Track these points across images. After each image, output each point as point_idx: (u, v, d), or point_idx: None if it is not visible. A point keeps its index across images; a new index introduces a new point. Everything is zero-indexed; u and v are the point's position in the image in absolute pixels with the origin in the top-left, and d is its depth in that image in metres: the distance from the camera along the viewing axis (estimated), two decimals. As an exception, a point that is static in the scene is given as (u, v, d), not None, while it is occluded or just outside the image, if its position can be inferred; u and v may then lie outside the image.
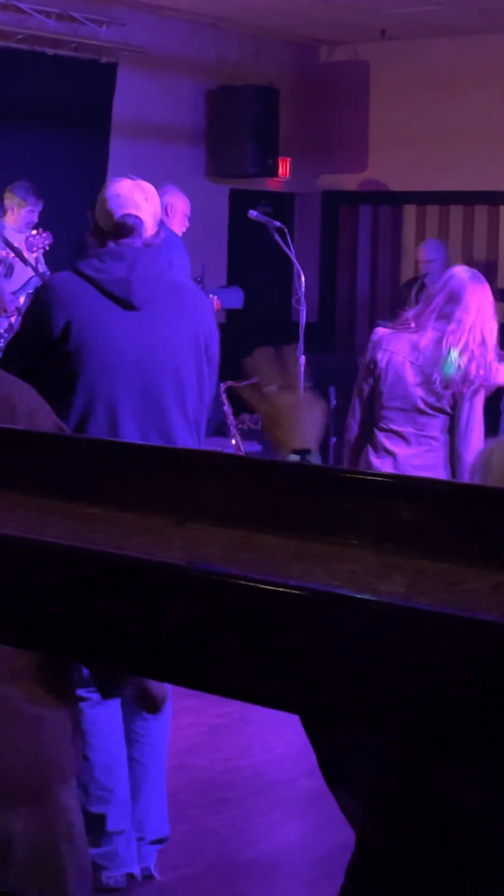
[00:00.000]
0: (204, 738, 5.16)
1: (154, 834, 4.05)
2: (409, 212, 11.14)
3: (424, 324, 4.82)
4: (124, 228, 3.88)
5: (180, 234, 7.87)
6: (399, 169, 10.74)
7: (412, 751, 1.73)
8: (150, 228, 3.94)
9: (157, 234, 3.99)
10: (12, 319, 7.25)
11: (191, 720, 5.24)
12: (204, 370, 4.00)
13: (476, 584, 0.86)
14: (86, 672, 2.94)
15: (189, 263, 7.85)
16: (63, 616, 0.86)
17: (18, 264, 7.69)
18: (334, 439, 8.80)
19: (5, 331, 7.27)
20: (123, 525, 1.00)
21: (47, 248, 7.17)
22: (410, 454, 4.86)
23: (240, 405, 9.21)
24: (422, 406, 4.82)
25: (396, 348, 4.84)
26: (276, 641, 0.78)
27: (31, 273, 7.66)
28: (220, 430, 9.36)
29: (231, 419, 8.70)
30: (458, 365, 4.74)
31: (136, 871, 4.03)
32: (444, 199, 10.73)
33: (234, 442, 8.67)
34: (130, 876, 4.00)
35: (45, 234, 7.72)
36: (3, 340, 7.17)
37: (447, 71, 10.42)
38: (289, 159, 10.75)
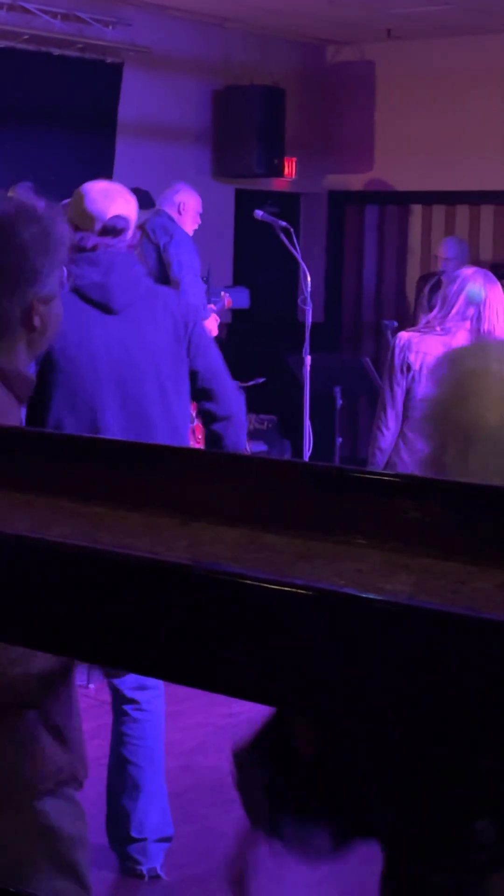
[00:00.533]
0: (210, 738, 5.16)
1: (157, 833, 4.05)
2: (416, 212, 11.14)
3: (450, 327, 4.81)
4: (114, 231, 3.87)
5: (192, 232, 7.85)
6: (405, 169, 10.74)
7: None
8: (132, 231, 3.95)
9: (135, 236, 4.00)
10: None
11: (197, 720, 5.24)
12: (185, 372, 3.98)
13: (481, 583, 0.86)
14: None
15: (199, 265, 7.84)
16: (69, 615, 0.86)
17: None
18: (340, 439, 8.80)
19: None
20: (129, 524, 1.00)
21: None
22: None
23: (246, 405, 9.21)
24: None
25: (429, 349, 4.82)
26: (282, 641, 0.78)
27: None
28: (226, 430, 9.35)
29: (237, 419, 8.70)
30: None
31: (144, 871, 4.04)
32: (451, 198, 10.72)
33: (240, 442, 8.66)
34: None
35: None
36: None
37: (453, 71, 10.42)
38: (295, 159, 10.75)
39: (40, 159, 8.94)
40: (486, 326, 4.80)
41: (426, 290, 9.20)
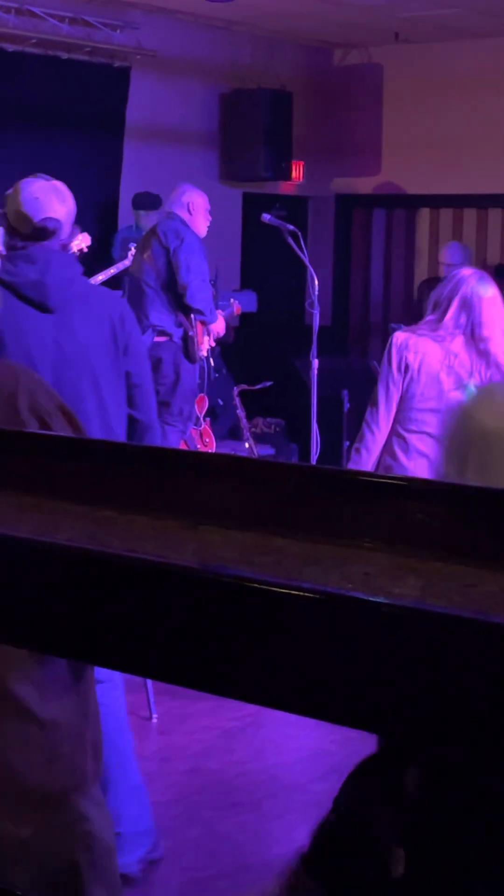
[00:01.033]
0: (217, 742, 5.16)
1: (134, 826, 3.96)
2: (423, 215, 11.14)
3: (446, 333, 4.79)
4: (45, 232, 3.86)
5: (204, 231, 7.84)
6: (413, 172, 10.74)
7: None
8: (66, 230, 3.93)
9: (71, 234, 3.97)
10: None
11: (204, 723, 5.24)
12: (121, 372, 3.97)
13: (490, 586, 0.86)
14: None
15: (207, 269, 7.83)
16: (77, 619, 0.86)
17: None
18: (347, 443, 8.79)
19: None
20: (138, 528, 1.00)
21: (85, 249, 7.03)
22: None
23: (253, 408, 9.22)
24: None
25: (427, 350, 4.80)
26: (290, 644, 0.78)
27: None
28: (233, 433, 9.36)
29: (244, 422, 8.71)
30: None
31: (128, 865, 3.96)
32: (458, 202, 10.72)
33: (247, 445, 8.68)
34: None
35: (79, 236, 7.43)
36: None
37: (461, 74, 10.42)
38: (302, 163, 10.75)
39: (48, 162, 8.92)
40: (481, 332, 4.77)
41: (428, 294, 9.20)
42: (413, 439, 4.85)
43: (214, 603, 0.80)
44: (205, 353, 7.93)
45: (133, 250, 7.90)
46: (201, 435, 8.23)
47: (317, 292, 7.25)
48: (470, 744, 0.74)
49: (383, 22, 9.83)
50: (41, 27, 8.97)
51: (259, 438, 9.36)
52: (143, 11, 9.48)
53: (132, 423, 4.04)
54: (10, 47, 8.84)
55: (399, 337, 4.91)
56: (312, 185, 11.11)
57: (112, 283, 7.65)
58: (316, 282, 7.25)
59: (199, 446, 8.10)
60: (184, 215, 7.73)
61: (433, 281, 10.01)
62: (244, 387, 8.66)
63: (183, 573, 0.82)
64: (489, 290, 4.83)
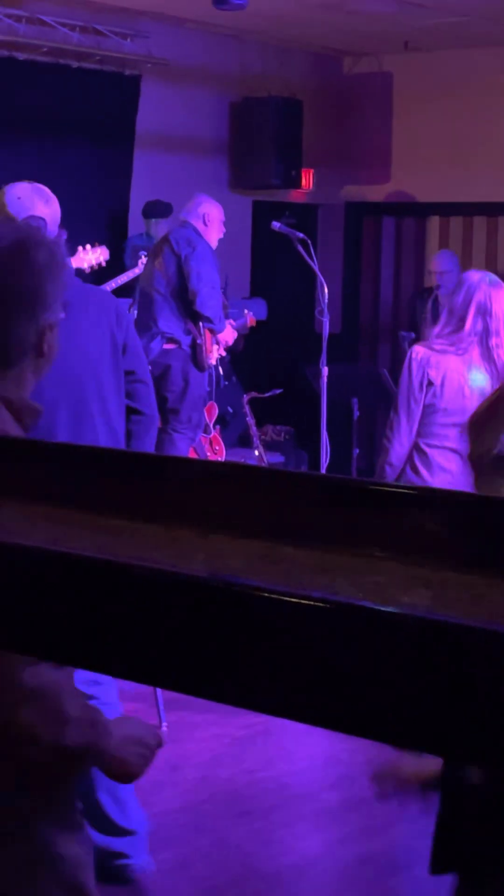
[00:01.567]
0: (227, 750, 5.16)
1: (142, 825, 3.97)
2: (433, 223, 11.14)
3: (467, 343, 4.75)
4: None
5: (216, 243, 7.87)
6: (422, 180, 10.74)
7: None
8: (52, 231, 3.93)
9: (59, 237, 3.98)
10: None
11: (214, 732, 5.24)
12: (122, 371, 3.99)
13: (502, 596, 0.85)
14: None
15: (218, 278, 7.85)
16: (86, 628, 0.86)
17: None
18: (357, 450, 8.80)
19: None
20: (147, 537, 1.00)
21: (104, 263, 6.99)
22: (467, 470, 4.78)
23: (263, 416, 9.22)
24: None
25: (449, 365, 4.75)
26: (300, 654, 0.78)
27: None
28: (243, 440, 9.36)
29: (254, 430, 8.71)
30: None
31: (135, 865, 3.96)
32: (468, 210, 10.72)
33: (257, 453, 8.68)
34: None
35: (97, 249, 7.34)
36: None
37: (470, 82, 10.42)
38: (312, 171, 10.76)
39: (59, 170, 8.96)
40: (494, 341, 4.74)
41: (428, 305, 9.20)
42: (435, 454, 4.80)
43: (224, 612, 0.80)
44: (213, 362, 7.94)
45: (144, 258, 7.91)
46: (211, 443, 8.23)
47: (326, 300, 7.26)
48: (484, 754, 0.74)
49: (393, 30, 9.84)
50: (52, 36, 8.99)
51: (269, 446, 9.36)
52: (153, 20, 9.50)
53: (136, 417, 4.07)
54: (21, 56, 8.86)
55: (419, 352, 4.84)
56: (322, 193, 11.11)
57: (123, 290, 7.66)
58: (326, 289, 7.25)
59: (208, 454, 8.10)
60: (198, 225, 7.77)
61: (425, 292, 10.01)
62: (254, 394, 8.67)
63: (192, 582, 0.82)
64: (500, 291, 4.82)
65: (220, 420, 8.68)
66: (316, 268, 7.26)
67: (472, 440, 2.30)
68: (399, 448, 4.86)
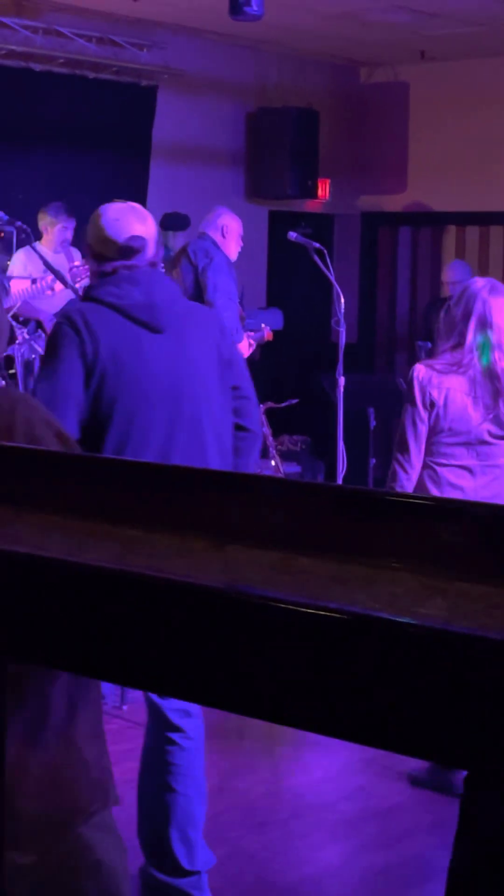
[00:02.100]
0: (244, 761, 5.15)
1: (207, 865, 3.99)
2: (449, 233, 11.13)
3: (468, 359, 4.68)
4: (130, 251, 3.87)
5: (235, 255, 7.90)
6: (439, 190, 10.74)
7: None
8: (151, 250, 3.94)
9: (157, 254, 3.99)
10: None
11: (231, 743, 5.23)
12: (229, 389, 3.99)
13: (518, 607, 0.85)
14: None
15: (235, 290, 7.86)
16: (102, 638, 0.86)
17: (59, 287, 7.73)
18: (374, 460, 8.79)
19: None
20: (164, 547, 1.00)
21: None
22: (478, 486, 4.73)
23: (279, 426, 9.22)
24: (487, 438, 4.71)
25: (451, 384, 4.68)
26: (317, 665, 0.78)
27: (72, 296, 7.68)
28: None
29: (270, 440, 8.71)
30: None
31: None
32: (485, 219, 10.71)
33: (273, 463, 8.67)
34: None
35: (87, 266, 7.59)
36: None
37: (487, 91, 10.42)
38: (328, 181, 10.77)
39: (75, 181, 8.99)
40: (497, 355, 4.68)
41: (442, 315, 9.16)
42: (445, 472, 4.75)
43: (240, 623, 0.80)
44: (230, 373, 7.95)
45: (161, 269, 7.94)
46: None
47: (343, 310, 7.26)
48: (495, 762, 0.74)
49: (409, 40, 9.85)
50: (68, 47, 9.02)
51: (285, 456, 9.36)
52: (169, 31, 9.53)
53: (242, 434, 4.06)
54: (37, 67, 8.89)
55: (420, 371, 4.75)
56: (338, 203, 11.12)
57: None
58: (342, 299, 7.26)
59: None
60: (216, 237, 7.80)
61: (439, 302, 10.00)
62: (270, 404, 8.67)
63: (209, 593, 0.82)
64: (499, 296, 4.73)
65: (237, 430, 8.67)
66: (332, 278, 7.26)
67: None
68: (411, 472, 4.78)
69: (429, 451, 4.76)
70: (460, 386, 4.67)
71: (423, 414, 4.75)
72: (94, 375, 3.73)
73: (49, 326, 7.14)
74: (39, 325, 7.77)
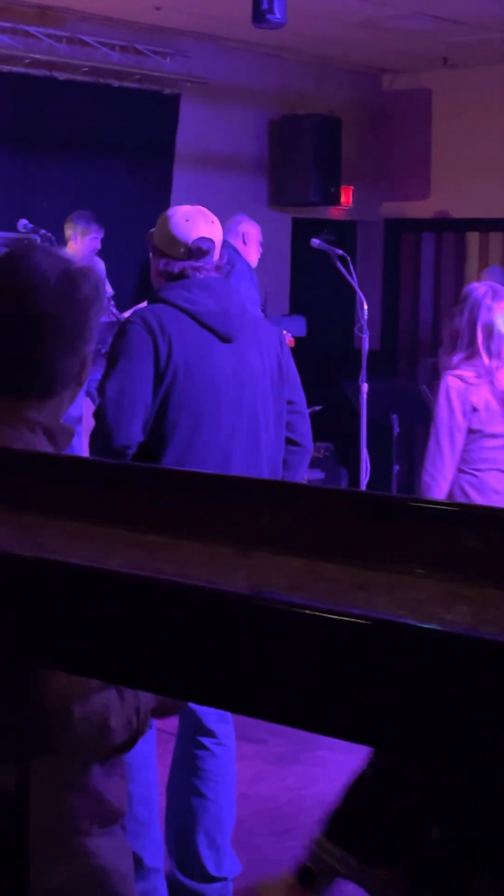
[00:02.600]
0: (268, 768, 5.15)
1: (233, 872, 3.98)
2: (473, 239, 11.11)
3: (488, 362, 4.68)
4: (199, 253, 3.85)
5: (255, 262, 7.92)
6: (462, 196, 10.72)
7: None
8: (217, 252, 3.93)
9: (222, 258, 3.98)
10: None
11: (255, 749, 5.23)
12: (284, 402, 3.99)
13: (542, 613, 0.85)
14: None
15: (258, 296, 7.89)
16: (127, 644, 0.87)
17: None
18: (397, 467, 8.77)
19: None
20: (188, 554, 1.00)
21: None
22: None
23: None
24: None
25: (483, 391, 4.67)
26: (341, 671, 0.78)
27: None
28: (283, 458, 9.35)
29: (294, 447, 8.70)
30: None
31: None
32: (508, 225, 10.70)
33: (297, 470, 8.66)
34: None
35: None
36: None
37: (510, 98, 10.40)
38: (351, 187, 10.77)
39: (100, 189, 9.02)
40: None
41: (446, 325, 9.12)
42: (487, 478, 4.72)
43: (265, 629, 0.80)
44: (253, 378, 7.96)
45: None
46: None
47: (366, 316, 7.25)
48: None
49: (432, 47, 9.84)
50: (92, 55, 9.05)
51: (309, 463, 9.35)
52: (192, 39, 9.55)
53: (293, 448, 4.05)
54: (61, 76, 8.92)
55: (454, 382, 4.68)
56: (361, 210, 11.11)
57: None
58: (365, 306, 7.25)
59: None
60: (237, 244, 7.82)
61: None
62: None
63: (234, 599, 0.82)
64: (499, 301, 4.71)
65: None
66: (355, 284, 7.26)
67: None
68: (443, 484, 4.74)
69: (468, 459, 4.72)
70: (494, 392, 4.67)
71: (462, 422, 4.71)
72: (164, 379, 3.70)
73: None
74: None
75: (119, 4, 8.59)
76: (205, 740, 3.88)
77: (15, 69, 8.70)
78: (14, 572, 0.90)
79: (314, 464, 9.58)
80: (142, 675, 0.88)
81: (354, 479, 8.09)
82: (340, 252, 7.34)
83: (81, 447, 6.79)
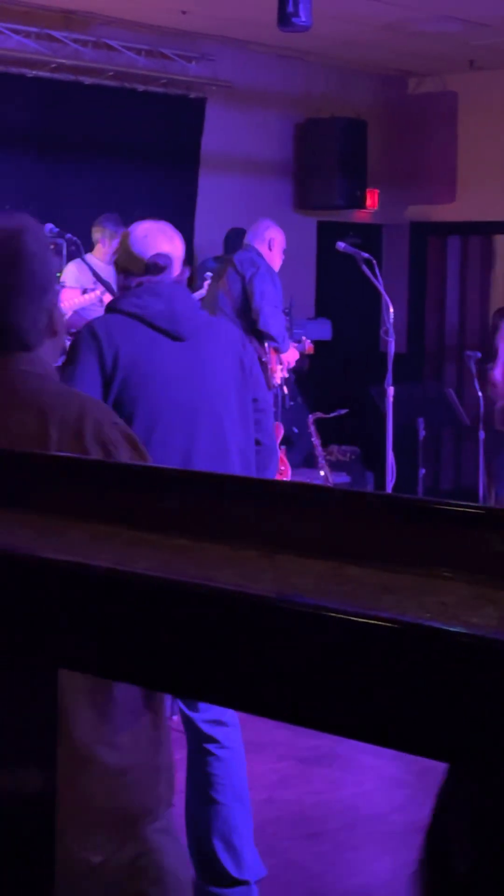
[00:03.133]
0: (293, 772, 5.14)
1: (256, 875, 3.97)
2: (499, 242, 11.08)
3: None
4: (156, 268, 3.93)
5: (278, 268, 7.97)
6: (488, 199, 10.70)
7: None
8: (177, 268, 3.99)
9: (182, 273, 4.04)
10: None
11: (280, 753, 5.22)
12: (249, 399, 4.02)
13: None
14: None
15: (281, 298, 7.91)
16: (154, 647, 0.87)
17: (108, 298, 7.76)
18: (423, 471, 8.76)
19: None
20: (213, 557, 1.00)
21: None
22: None
23: (328, 436, 9.21)
24: None
25: None
26: (367, 674, 0.77)
27: None
28: (308, 461, 9.35)
29: (319, 450, 8.70)
30: None
31: None
32: (534, 228, 10.68)
33: (322, 473, 8.66)
34: None
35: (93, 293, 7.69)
36: None
37: (536, 100, 10.38)
38: (377, 191, 10.76)
39: (125, 193, 9.04)
40: None
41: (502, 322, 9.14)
42: None
43: (291, 632, 0.80)
44: (278, 382, 7.98)
45: (207, 280, 8.02)
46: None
47: (392, 320, 7.24)
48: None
49: (458, 50, 9.83)
50: (118, 60, 9.07)
51: (334, 466, 9.34)
52: (217, 43, 9.56)
53: (256, 448, 4.09)
54: (87, 80, 8.95)
55: None
56: (387, 213, 11.10)
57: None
58: (391, 309, 7.24)
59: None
60: (262, 249, 7.88)
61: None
62: (319, 415, 8.66)
63: (259, 602, 0.82)
64: None
65: (286, 440, 8.68)
66: (381, 288, 7.25)
67: None
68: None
69: None
70: None
71: None
72: (114, 382, 3.79)
73: None
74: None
75: (144, 9, 8.61)
76: (207, 745, 3.91)
77: (41, 74, 8.73)
78: (38, 575, 0.90)
79: (340, 467, 9.57)
80: (165, 677, 0.88)
81: (380, 482, 8.08)
82: (366, 255, 7.33)
83: None
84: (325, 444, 8.93)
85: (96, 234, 8.36)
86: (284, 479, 8.04)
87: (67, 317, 7.57)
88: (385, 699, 0.77)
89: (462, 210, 11.04)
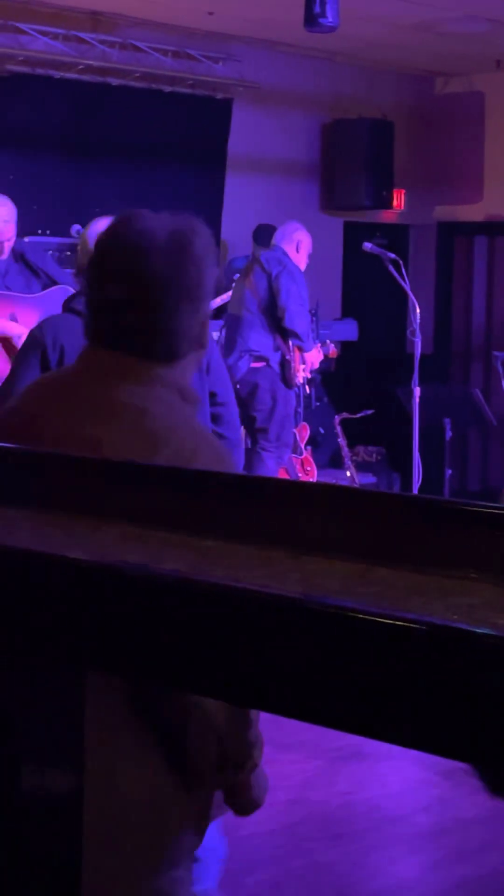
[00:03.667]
0: (319, 772, 5.14)
1: (209, 853, 3.92)
2: (526, 242, 11.05)
3: None
4: None
5: (303, 268, 7.98)
6: (515, 199, 10.67)
7: None
8: None
9: None
10: None
11: (307, 754, 5.22)
12: (206, 393, 4.01)
13: None
14: None
15: (307, 297, 7.91)
16: (181, 647, 0.87)
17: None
18: (449, 471, 8.74)
19: None
20: (241, 557, 1.01)
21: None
22: None
23: (354, 437, 9.20)
24: None
25: None
26: (394, 675, 0.78)
27: None
28: (334, 461, 9.35)
29: (345, 451, 8.70)
30: None
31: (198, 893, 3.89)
32: None
33: (348, 474, 8.66)
34: None
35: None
36: None
37: None
38: (403, 191, 10.74)
39: (152, 194, 9.05)
40: None
41: None
42: None
43: (318, 632, 0.80)
44: (301, 381, 7.99)
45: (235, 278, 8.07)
46: (303, 464, 8.23)
47: (418, 320, 7.24)
48: None
49: (485, 50, 9.80)
50: (145, 61, 9.08)
51: (360, 467, 9.34)
52: (244, 44, 9.56)
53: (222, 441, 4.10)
54: (114, 81, 8.97)
55: None
56: (414, 214, 11.08)
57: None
58: (417, 310, 7.23)
59: (300, 475, 8.10)
60: (290, 250, 7.90)
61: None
62: (345, 415, 8.66)
63: (286, 603, 0.82)
64: None
65: (312, 441, 8.68)
66: (407, 288, 7.24)
67: None
68: None
69: None
70: None
71: None
72: None
73: None
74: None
75: (171, 10, 8.62)
76: None
77: (68, 75, 8.76)
78: (69, 575, 0.91)
79: (366, 468, 9.56)
80: (194, 677, 0.88)
81: (406, 483, 8.07)
82: (392, 256, 7.33)
83: None
84: (351, 445, 8.92)
85: None
86: (310, 479, 8.03)
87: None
88: (411, 700, 0.77)
89: (489, 210, 11.00)
